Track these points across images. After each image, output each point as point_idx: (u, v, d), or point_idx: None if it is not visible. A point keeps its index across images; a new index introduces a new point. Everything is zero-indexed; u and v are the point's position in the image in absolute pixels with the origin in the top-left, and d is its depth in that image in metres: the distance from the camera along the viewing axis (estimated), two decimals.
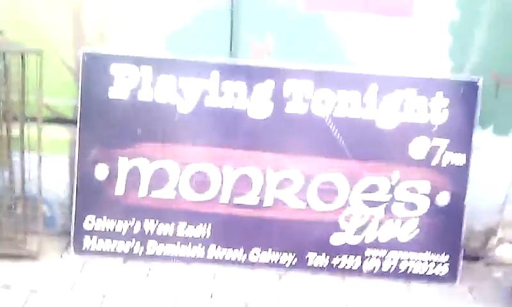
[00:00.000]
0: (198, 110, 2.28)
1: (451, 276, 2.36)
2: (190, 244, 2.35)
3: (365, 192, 2.31)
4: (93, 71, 2.27)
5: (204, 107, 2.27)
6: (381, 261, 2.35)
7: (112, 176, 2.31)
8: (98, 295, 2.13)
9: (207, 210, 2.33)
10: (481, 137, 2.35)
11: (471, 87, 2.26)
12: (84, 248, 2.35)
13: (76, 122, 2.30)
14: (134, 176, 2.31)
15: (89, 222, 2.33)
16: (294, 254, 2.34)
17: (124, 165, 2.31)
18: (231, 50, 2.30)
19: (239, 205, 2.32)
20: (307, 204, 2.31)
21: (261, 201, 2.32)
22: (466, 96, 2.26)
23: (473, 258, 2.48)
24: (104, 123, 2.29)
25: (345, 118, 2.26)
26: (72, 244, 2.34)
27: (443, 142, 2.28)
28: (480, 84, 2.25)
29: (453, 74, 2.31)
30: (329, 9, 2.25)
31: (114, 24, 2.29)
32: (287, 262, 2.35)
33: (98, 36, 2.30)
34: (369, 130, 2.27)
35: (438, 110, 2.26)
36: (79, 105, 2.28)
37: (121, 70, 2.26)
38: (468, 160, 2.29)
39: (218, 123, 2.29)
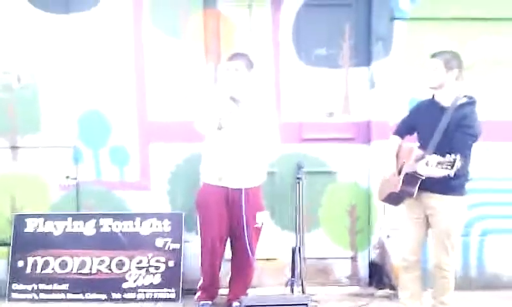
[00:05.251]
0: None
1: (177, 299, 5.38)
2: None
3: (137, 263, 5.41)
4: None
5: None
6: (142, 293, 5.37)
7: None
8: None
9: None
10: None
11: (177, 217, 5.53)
12: None
13: None
14: None
15: None
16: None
17: None
18: None
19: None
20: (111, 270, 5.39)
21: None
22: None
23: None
24: None
25: (127, 232, 5.45)
26: None
27: (168, 240, 5.46)
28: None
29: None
30: None
31: None
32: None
33: None
34: (135, 236, 5.45)
35: (166, 226, 5.49)
36: None
37: None
38: (180, 246, 5.45)
39: None
